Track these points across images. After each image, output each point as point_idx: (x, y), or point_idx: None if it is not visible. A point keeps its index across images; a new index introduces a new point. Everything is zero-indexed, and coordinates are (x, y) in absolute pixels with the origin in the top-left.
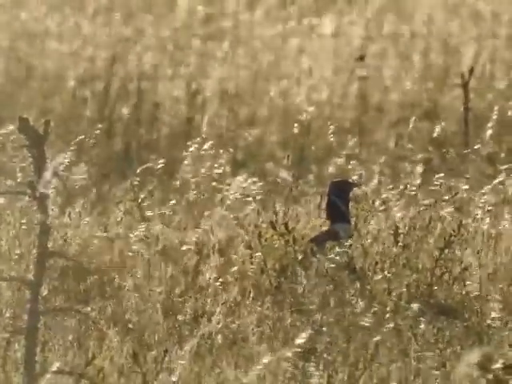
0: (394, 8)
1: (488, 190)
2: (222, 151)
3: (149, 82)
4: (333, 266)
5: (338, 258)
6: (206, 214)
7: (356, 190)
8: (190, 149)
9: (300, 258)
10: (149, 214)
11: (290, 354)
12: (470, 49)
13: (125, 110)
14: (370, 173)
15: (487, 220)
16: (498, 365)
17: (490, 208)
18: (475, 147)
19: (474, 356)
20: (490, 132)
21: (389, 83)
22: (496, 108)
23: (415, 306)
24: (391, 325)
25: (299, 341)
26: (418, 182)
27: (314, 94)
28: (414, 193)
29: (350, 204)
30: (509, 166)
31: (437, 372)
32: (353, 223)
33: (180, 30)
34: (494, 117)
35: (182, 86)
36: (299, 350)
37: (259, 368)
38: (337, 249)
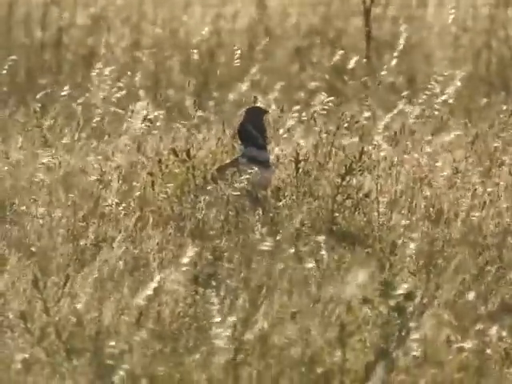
0: None
1: (389, 119)
2: (123, 76)
3: (53, 8)
4: (234, 193)
5: (238, 184)
6: (108, 140)
7: (267, 116)
8: (93, 74)
9: (201, 184)
10: (51, 140)
11: (189, 279)
12: None
13: (28, 36)
14: (272, 100)
15: (387, 147)
16: (399, 291)
17: (389, 134)
18: (377, 74)
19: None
20: (393, 61)
21: (291, 10)
22: (402, 38)
23: (320, 238)
24: (292, 251)
25: (187, 260)
26: (320, 109)
27: (214, 20)
28: (316, 120)
29: (267, 131)
30: (408, 93)
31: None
32: (269, 148)
33: None
34: (401, 45)
35: (86, 12)
36: (200, 275)
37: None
38: (237, 175)
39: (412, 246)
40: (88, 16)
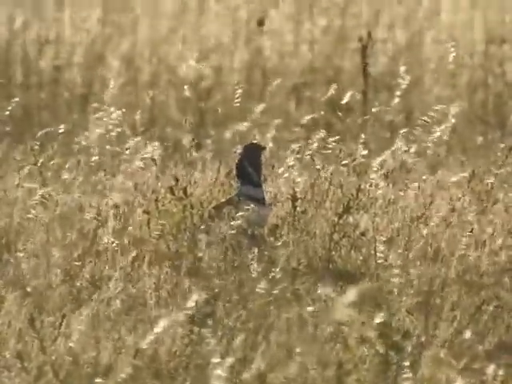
0: None
1: (386, 157)
2: (122, 115)
3: (50, 46)
4: (231, 231)
5: (234, 222)
6: (105, 178)
7: (265, 153)
8: (90, 112)
9: (198, 223)
10: (48, 178)
11: (183, 318)
12: (370, 10)
13: (25, 74)
14: (270, 138)
15: (384, 185)
16: (397, 330)
17: (386, 172)
18: (374, 110)
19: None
20: (395, 100)
21: (288, 48)
22: (403, 79)
23: (317, 276)
24: (289, 290)
25: (192, 304)
26: (317, 146)
27: (212, 58)
28: (313, 158)
29: (263, 168)
30: (405, 130)
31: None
32: (264, 186)
33: None
34: (403, 85)
35: (81, 51)
36: (196, 315)
37: (156, 332)
38: (234, 214)
39: (409, 285)
40: (84, 55)
